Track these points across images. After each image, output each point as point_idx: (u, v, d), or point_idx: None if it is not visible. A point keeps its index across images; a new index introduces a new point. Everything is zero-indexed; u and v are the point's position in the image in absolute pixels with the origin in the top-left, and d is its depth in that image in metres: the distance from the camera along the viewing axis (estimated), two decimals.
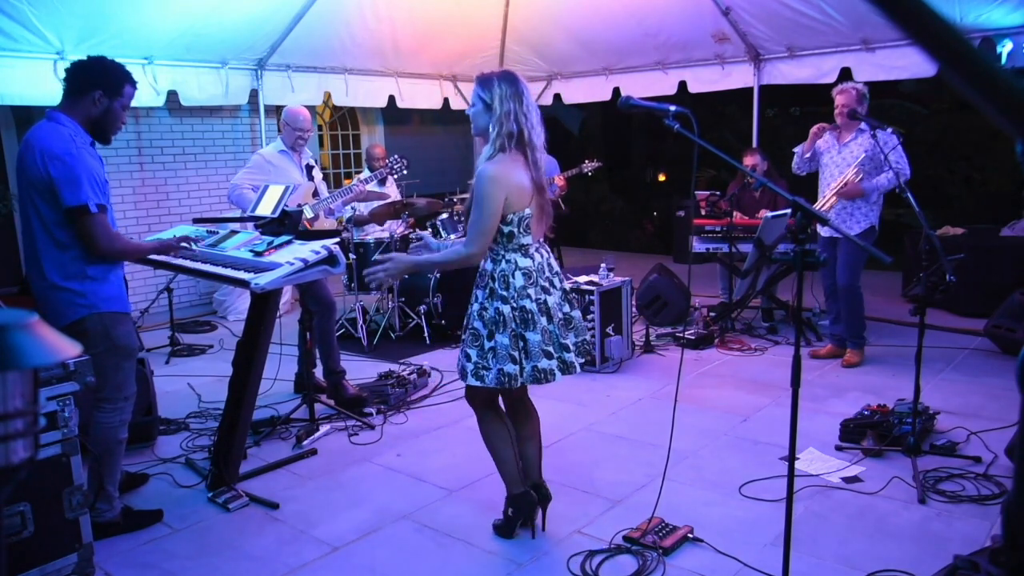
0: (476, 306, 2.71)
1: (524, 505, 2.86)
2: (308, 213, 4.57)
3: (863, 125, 4.71)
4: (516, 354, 2.64)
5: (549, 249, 2.85)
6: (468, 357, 2.71)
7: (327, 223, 4.85)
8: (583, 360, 2.84)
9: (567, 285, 2.84)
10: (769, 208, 5.82)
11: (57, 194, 2.74)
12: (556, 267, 2.82)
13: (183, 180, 7.31)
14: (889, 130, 4.58)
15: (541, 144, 2.67)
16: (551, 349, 2.69)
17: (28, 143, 2.80)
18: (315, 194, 4.67)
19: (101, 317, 2.89)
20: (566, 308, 2.79)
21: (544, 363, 2.66)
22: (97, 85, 2.85)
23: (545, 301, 2.69)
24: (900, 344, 5.24)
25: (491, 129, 2.61)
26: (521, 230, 2.64)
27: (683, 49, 6.81)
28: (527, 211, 2.63)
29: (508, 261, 2.65)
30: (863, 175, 4.67)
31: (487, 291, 2.68)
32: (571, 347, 2.76)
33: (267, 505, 3.27)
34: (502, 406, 2.91)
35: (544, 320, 2.67)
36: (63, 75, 2.90)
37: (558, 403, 4.41)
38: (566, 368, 2.73)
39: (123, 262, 3.03)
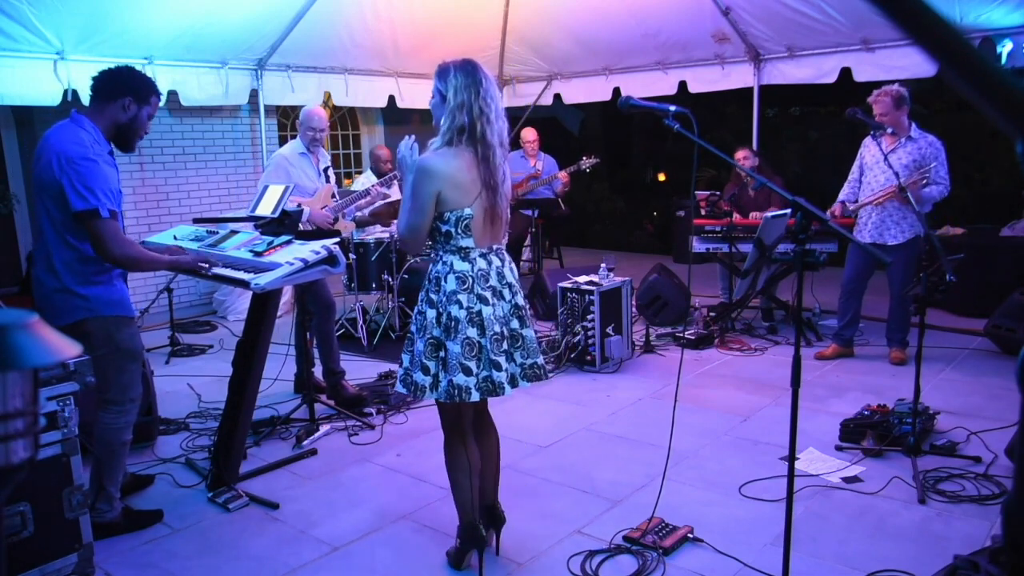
0: (416, 308, 2.58)
1: (470, 537, 2.66)
2: None
3: (913, 132, 4.72)
4: (430, 364, 2.46)
5: (508, 257, 2.62)
6: (402, 362, 2.58)
7: (347, 226, 4.87)
8: (528, 384, 2.60)
9: (522, 300, 2.61)
10: (773, 207, 5.81)
11: (66, 198, 2.71)
12: (511, 279, 2.58)
13: (183, 180, 7.30)
14: (933, 137, 4.65)
15: (498, 140, 2.45)
16: (471, 365, 2.44)
17: (47, 142, 2.78)
18: (332, 196, 4.69)
19: (104, 321, 2.88)
20: (514, 324, 2.56)
21: (460, 379, 2.42)
22: (128, 91, 2.85)
23: (480, 311, 2.45)
24: None
25: (442, 121, 2.46)
26: (459, 231, 2.44)
27: (683, 49, 6.81)
28: (467, 211, 2.42)
29: (444, 263, 2.48)
30: (927, 181, 4.55)
31: (424, 293, 2.54)
32: (503, 366, 2.48)
33: (267, 505, 3.27)
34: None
35: (473, 331, 2.44)
36: (92, 81, 2.87)
37: (558, 403, 4.41)
38: (492, 389, 2.48)
39: (130, 270, 3.02)
